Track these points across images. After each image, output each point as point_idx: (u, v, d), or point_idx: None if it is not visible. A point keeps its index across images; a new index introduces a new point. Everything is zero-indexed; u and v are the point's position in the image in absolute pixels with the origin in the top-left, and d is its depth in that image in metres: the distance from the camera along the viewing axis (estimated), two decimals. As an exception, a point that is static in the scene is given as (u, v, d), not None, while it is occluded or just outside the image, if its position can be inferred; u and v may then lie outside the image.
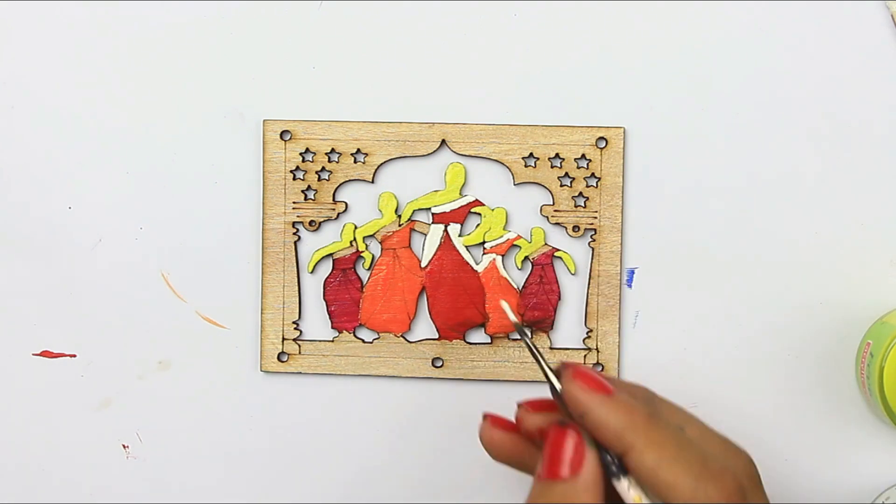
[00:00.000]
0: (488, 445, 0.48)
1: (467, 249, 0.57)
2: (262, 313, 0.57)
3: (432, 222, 0.57)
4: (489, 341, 0.57)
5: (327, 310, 0.57)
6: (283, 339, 0.57)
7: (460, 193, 0.57)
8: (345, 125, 0.56)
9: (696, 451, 0.45)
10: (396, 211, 0.57)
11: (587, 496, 0.43)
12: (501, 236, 0.57)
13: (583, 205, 0.56)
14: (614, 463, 0.44)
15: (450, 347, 0.57)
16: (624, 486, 0.44)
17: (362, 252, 0.57)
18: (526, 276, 0.57)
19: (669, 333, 0.56)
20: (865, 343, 0.54)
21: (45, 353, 0.58)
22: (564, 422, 0.45)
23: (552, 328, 0.57)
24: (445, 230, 0.57)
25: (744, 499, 0.45)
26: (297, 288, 0.57)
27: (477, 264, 0.57)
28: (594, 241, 0.56)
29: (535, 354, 0.47)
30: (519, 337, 0.52)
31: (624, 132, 0.56)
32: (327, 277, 0.57)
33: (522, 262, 0.57)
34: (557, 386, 0.45)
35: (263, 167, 0.57)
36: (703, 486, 0.44)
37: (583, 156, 0.56)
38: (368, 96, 0.57)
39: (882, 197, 0.55)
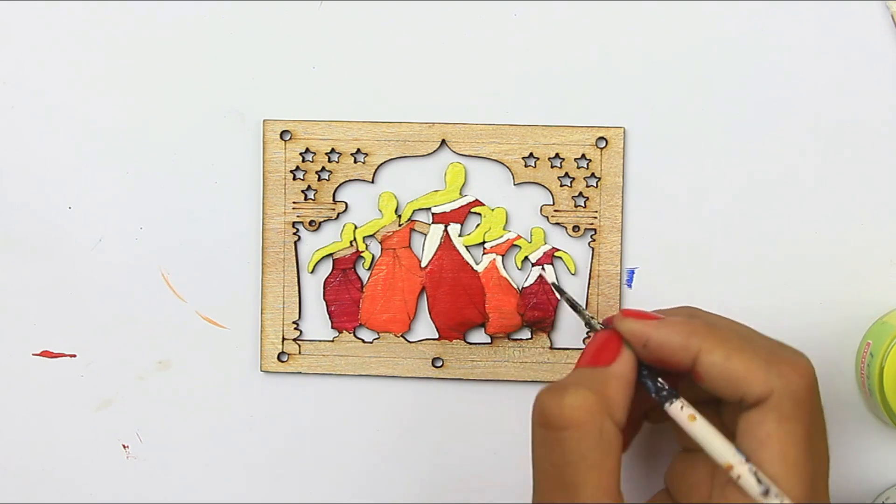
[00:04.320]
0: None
1: (467, 249, 0.57)
2: (262, 313, 0.57)
3: (432, 222, 0.57)
4: (489, 341, 0.57)
5: (327, 310, 0.57)
6: (283, 339, 0.57)
7: (460, 193, 0.57)
8: (345, 125, 0.56)
9: (762, 341, 0.47)
10: (396, 211, 0.57)
11: (616, 383, 0.46)
12: (501, 236, 0.57)
13: (583, 205, 0.56)
14: (664, 389, 0.46)
15: (450, 347, 0.57)
16: (677, 407, 0.46)
17: (362, 252, 0.57)
18: (526, 276, 0.57)
19: (669, 333, 0.56)
20: (865, 343, 0.54)
21: (45, 353, 0.58)
22: (607, 326, 0.48)
23: (552, 328, 0.57)
24: (445, 230, 0.57)
25: (817, 389, 0.46)
26: (297, 288, 0.57)
27: (477, 264, 0.57)
28: (594, 241, 0.56)
29: (583, 316, 0.51)
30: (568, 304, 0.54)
31: (624, 132, 0.56)
32: (327, 277, 0.57)
33: (522, 262, 0.57)
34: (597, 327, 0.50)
35: (263, 167, 0.57)
36: (776, 367, 0.45)
37: (583, 156, 0.56)
38: (368, 96, 0.57)
39: (882, 197, 0.55)
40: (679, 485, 0.49)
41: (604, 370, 0.46)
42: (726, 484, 0.45)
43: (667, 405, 0.46)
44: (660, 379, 0.47)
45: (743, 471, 0.44)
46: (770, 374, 0.44)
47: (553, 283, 0.54)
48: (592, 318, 0.51)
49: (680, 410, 0.46)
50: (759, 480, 0.44)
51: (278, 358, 0.57)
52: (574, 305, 0.52)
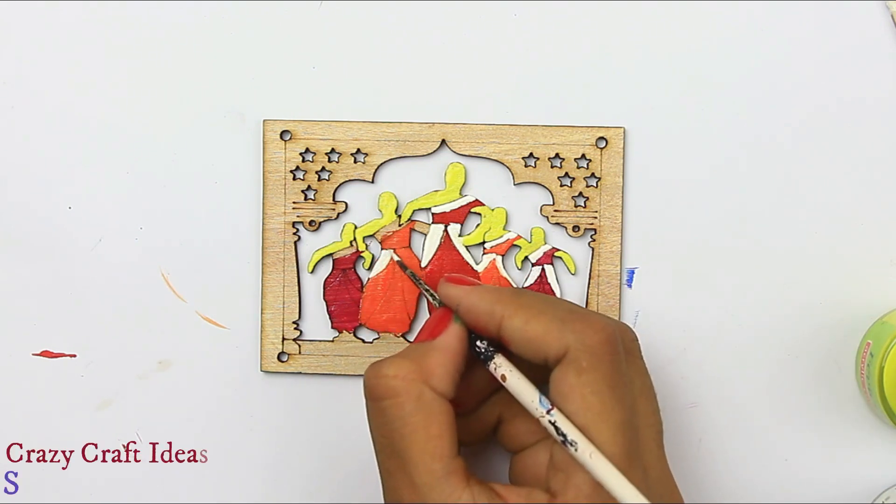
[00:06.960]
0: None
1: (467, 249, 0.57)
2: (262, 313, 0.57)
3: (432, 222, 0.57)
4: (489, 341, 0.57)
5: (327, 310, 0.57)
6: (283, 339, 0.57)
7: (460, 193, 0.57)
8: (345, 125, 0.56)
9: (562, 304, 0.49)
10: (396, 211, 0.57)
11: (437, 354, 0.48)
12: (501, 236, 0.57)
13: (583, 205, 0.56)
14: (484, 350, 0.49)
15: (450, 347, 0.57)
16: (492, 367, 0.49)
17: (362, 252, 0.57)
18: (526, 276, 0.57)
19: (669, 333, 0.56)
20: (865, 343, 0.54)
21: (45, 353, 0.58)
22: (441, 304, 0.51)
23: (552, 328, 0.57)
24: (445, 230, 0.57)
25: (616, 344, 0.47)
26: (297, 288, 0.57)
27: (477, 264, 0.57)
28: (594, 241, 0.56)
29: (420, 285, 0.55)
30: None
31: (624, 132, 0.56)
32: (327, 277, 0.57)
33: (522, 262, 0.57)
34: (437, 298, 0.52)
35: (263, 167, 0.57)
36: (570, 325, 0.47)
37: (583, 156, 0.56)
38: (368, 96, 0.57)
39: (882, 197, 0.55)
40: (521, 482, 0.51)
41: (428, 343, 0.49)
42: (557, 472, 0.47)
43: (487, 364, 0.49)
44: (479, 342, 0.49)
45: (544, 422, 0.46)
46: (564, 331, 0.47)
47: (397, 261, 0.56)
48: (433, 294, 0.53)
49: (494, 370, 0.49)
50: (556, 430, 0.46)
51: (278, 358, 0.57)
52: (417, 282, 0.55)
